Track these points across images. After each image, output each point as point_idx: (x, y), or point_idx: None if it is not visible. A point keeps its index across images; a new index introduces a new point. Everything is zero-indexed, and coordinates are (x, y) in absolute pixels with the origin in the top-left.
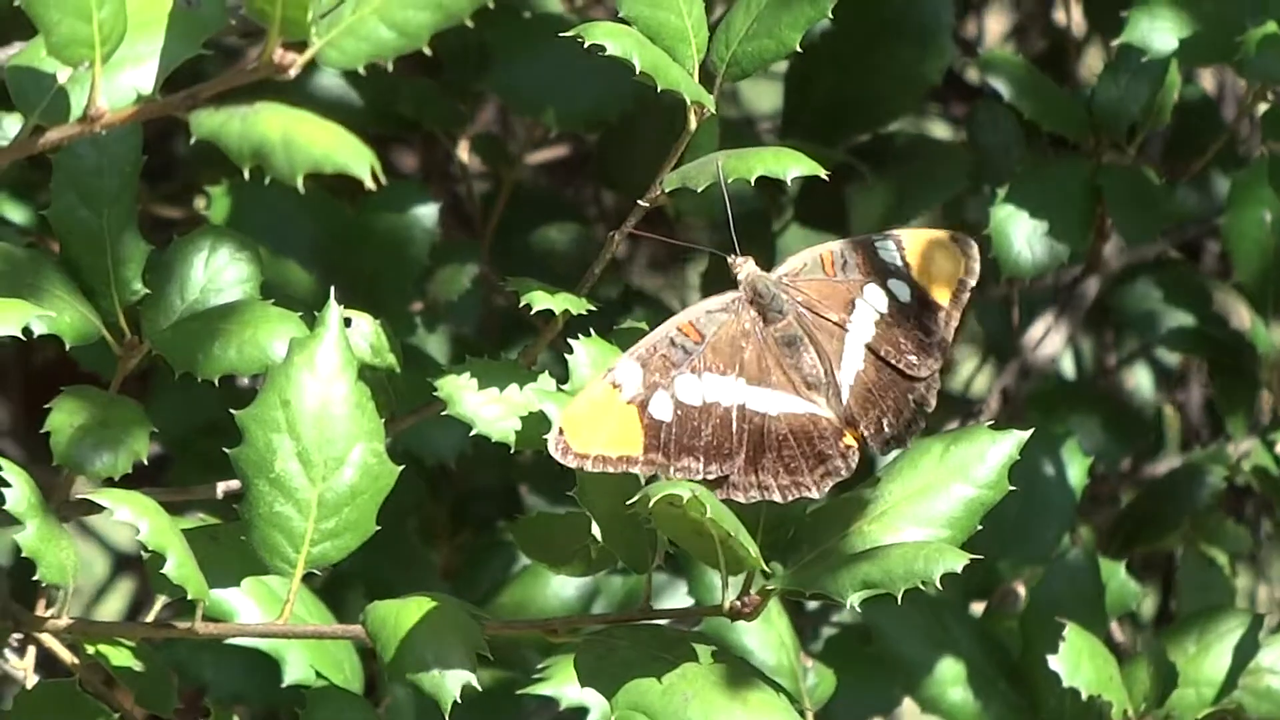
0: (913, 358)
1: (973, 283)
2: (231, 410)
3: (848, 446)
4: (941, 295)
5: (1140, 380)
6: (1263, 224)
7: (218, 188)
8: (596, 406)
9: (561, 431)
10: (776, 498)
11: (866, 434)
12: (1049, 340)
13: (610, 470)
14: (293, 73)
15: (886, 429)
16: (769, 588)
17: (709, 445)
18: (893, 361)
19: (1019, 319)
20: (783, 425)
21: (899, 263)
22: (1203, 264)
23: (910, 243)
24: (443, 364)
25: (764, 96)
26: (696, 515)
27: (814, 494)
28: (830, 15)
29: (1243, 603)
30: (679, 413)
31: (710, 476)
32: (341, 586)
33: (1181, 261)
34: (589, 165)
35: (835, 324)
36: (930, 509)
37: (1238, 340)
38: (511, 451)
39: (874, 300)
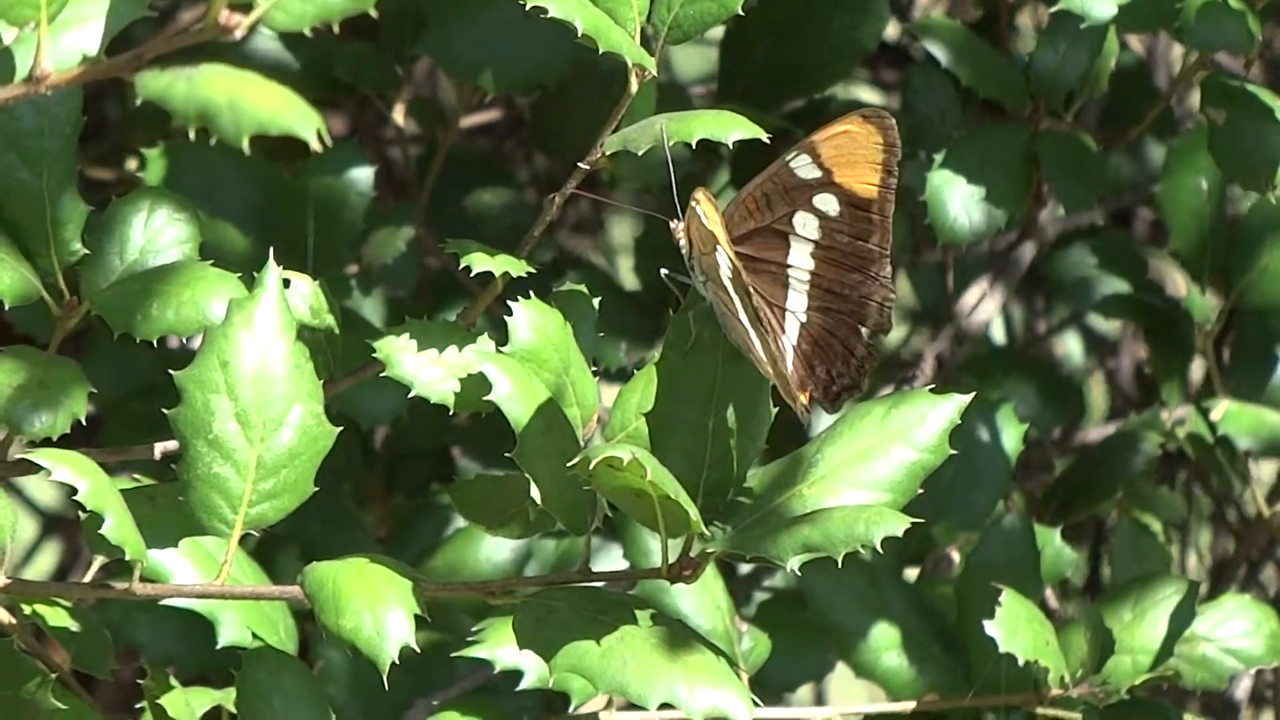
0: (855, 275)
1: (895, 159)
2: (170, 371)
3: (803, 406)
4: (869, 188)
5: (1070, 347)
6: (1199, 191)
7: (153, 150)
8: None
9: None
10: None
11: (816, 395)
12: (983, 306)
13: None
14: (239, 34)
15: (836, 380)
16: (709, 550)
17: None
18: (837, 289)
19: (953, 285)
20: None
21: (819, 173)
22: (1134, 231)
23: (824, 146)
24: (379, 327)
25: (694, 63)
26: (637, 477)
27: None
28: None
29: (1173, 570)
30: None
31: None
32: (275, 549)
33: (1117, 228)
34: (523, 129)
35: (776, 270)
36: (871, 472)
37: (1173, 307)
38: (450, 414)
39: (805, 230)
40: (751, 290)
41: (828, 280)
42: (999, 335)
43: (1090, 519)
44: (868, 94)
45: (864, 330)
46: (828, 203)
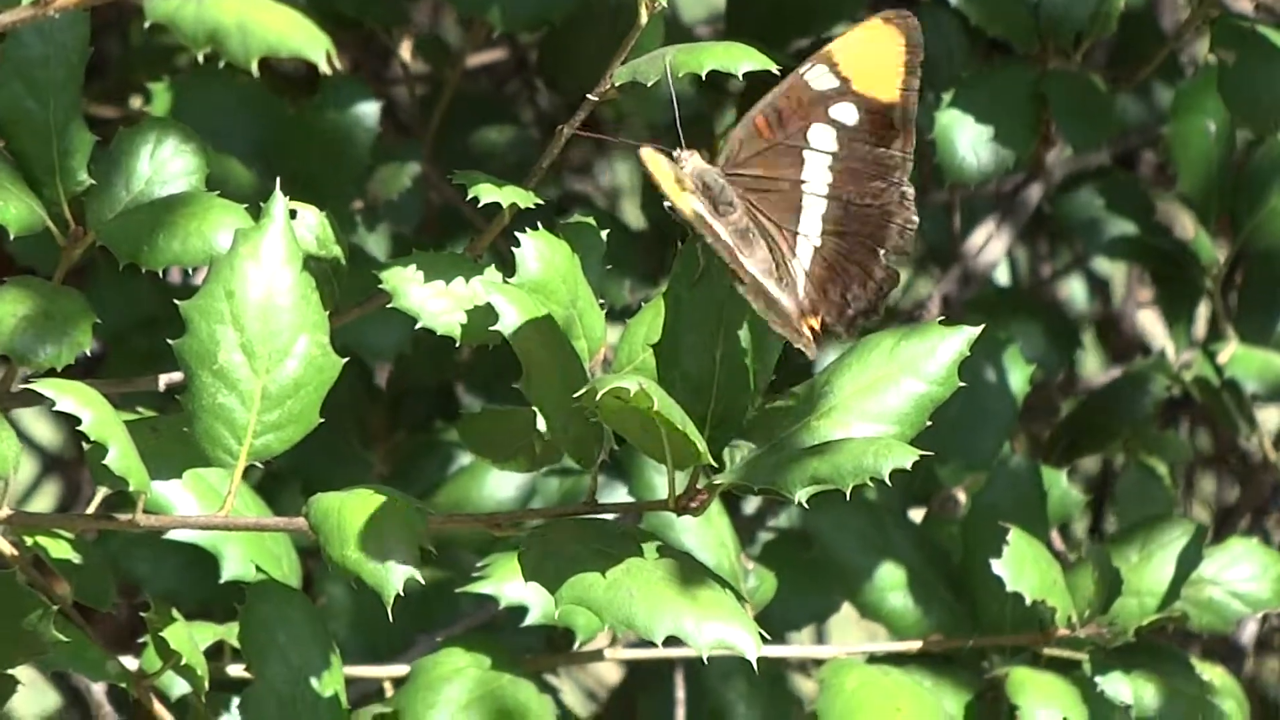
0: (878, 182)
1: (918, 59)
2: (176, 301)
3: (805, 335)
4: (888, 90)
5: (1074, 291)
6: (1207, 133)
7: (158, 84)
8: None
9: None
10: None
11: (828, 318)
12: (990, 247)
13: None
14: None
15: (852, 304)
16: (716, 483)
17: None
18: (857, 203)
19: (960, 225)
20: None
21: (836, 83)
22: (1139, 174)
23: (842, 53)
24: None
25: (699, 4)
26: (644, 408)
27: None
28: None
29: (1178, 514)
30: None
31: None
32: (279, 486)
33: (1124, 170)
34: (527, 69)
35: (789, 189)
36: (879, 404)
37: (1180, 250)
38: (455, 349)
39: (821, 143)
40: (722, 238)
41: (847, 193)
42: (1003, 278)
43: (1097, 461)
44: None
45: (882, 252)
46: (846, 112)
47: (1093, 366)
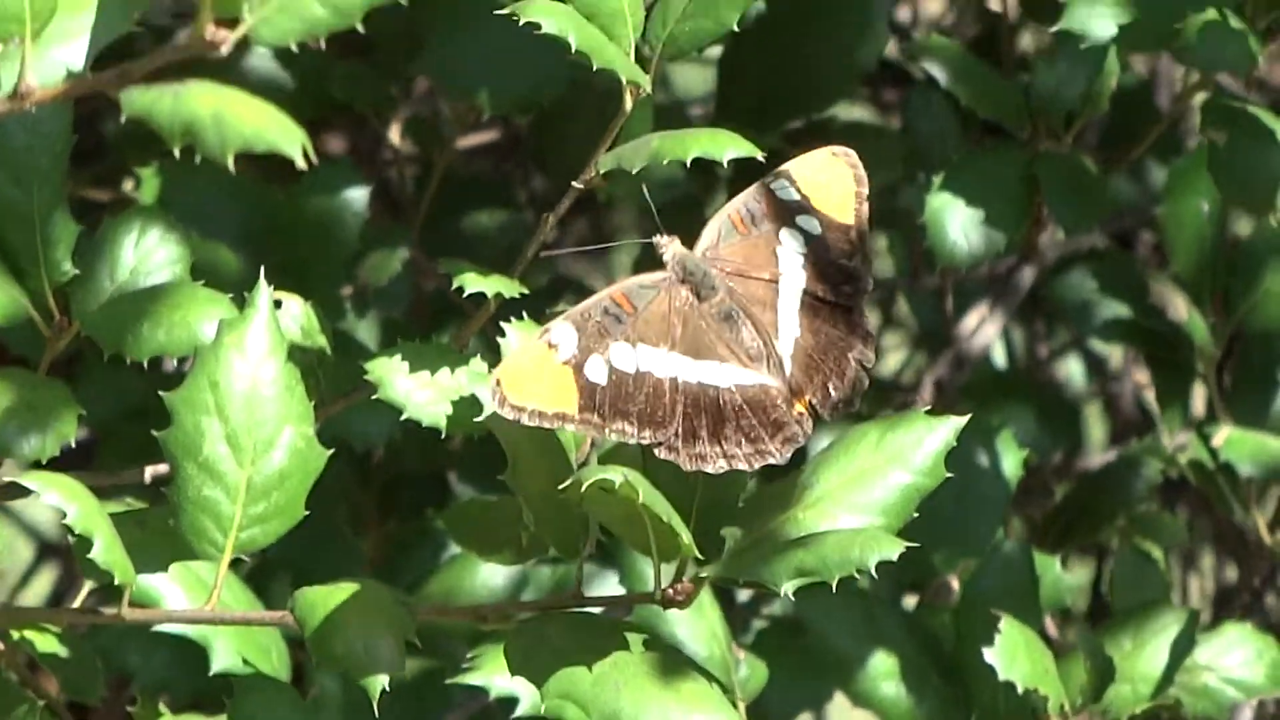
0: (846, 286)
1: (866, 191)
2: (160, 392)
3: (800, 413)
4: (845, 214)
5: (1072, 372)
6: (1201, 214)
7: (147, 169)
8: (533, 363)
9: (499, 383)
10: (743, 465)
11: (814, 401)
12: (983, 330)
13: (546, 425)
14: (224, 50)
15: (833, 392)
16: (702, 575)
17: (642, 412)
18: (828, 298)
19: (952, 308)
20: (737, 396)
21: (797, 197)
22: (1136, 254)
23: (799, 174)
24: (373, 349)
25: (695, 82)
26: (629, 500)
27: (778, 459)
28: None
29: (1175, 596)
30: (613, 378)
31: (644, 441)
32: (268, 575)
33: (1117, 251)
34: (520, 150)
35: (767, 281)
36: (866, 496)
37: (1174, 332)
38: (442, 437)
39: (791, 245)
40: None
41: (819, 291)
42: (1000, 359)
43: (1093, 544)
44: (868, 114)
45: (851, 356)
46: (809, 223)
47: (1098, 440)
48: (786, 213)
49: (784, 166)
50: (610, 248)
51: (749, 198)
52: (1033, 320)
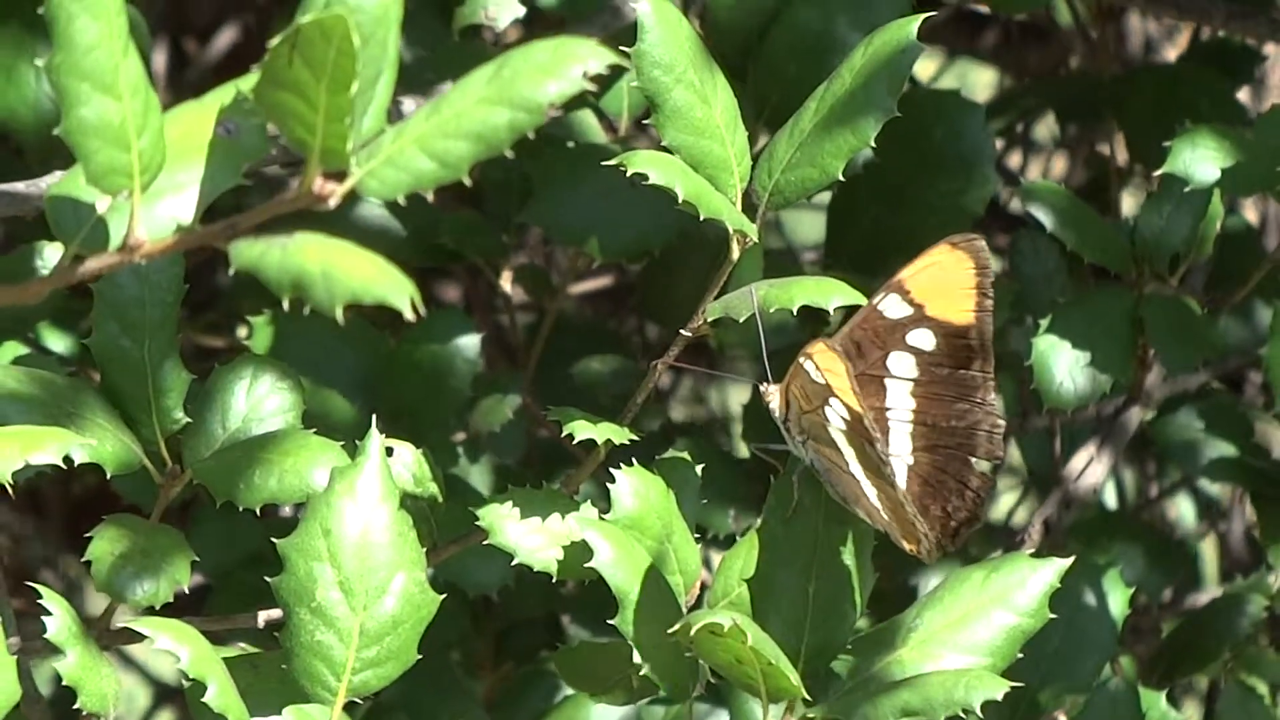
0: (961, 405)
1: (989, 280)
2: (273, 539)
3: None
4: (965, 314)
5: (1183, 511)
6: None
7: (259, 317)
8: None
9: None
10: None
11: (933, 534)
12: (1091, 471)
13: None
14: (332, 203)
15: (953, 515)
16: (810, 715)
17: None
18: (943, 424)
19: (1061, 449)
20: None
21: (909, 310)
22: (1245, 394)
23: (912, 282)
24: (485, 494)
25: (809, 227)
26: (738, 643)
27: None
28: (873, 146)
29: None
30: None
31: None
32: (384, 717)
33: (1223, 391)
34: (632, 297)
35: (876, 414)
36: (970, 636)
37: (1279, 470)
38: (557, 582)
39: (901, 370)
40: (875, 436)
41: (932, 416)
42: (1111, 500)
43: (1206, 682)
44: None
45: (974, 460)
46: (923, 338)
47: (1211, 579)
48: (896, 333)
49: (898, 275)
50: (726, 392)
51: (854, 326)
52: (1144, 461)
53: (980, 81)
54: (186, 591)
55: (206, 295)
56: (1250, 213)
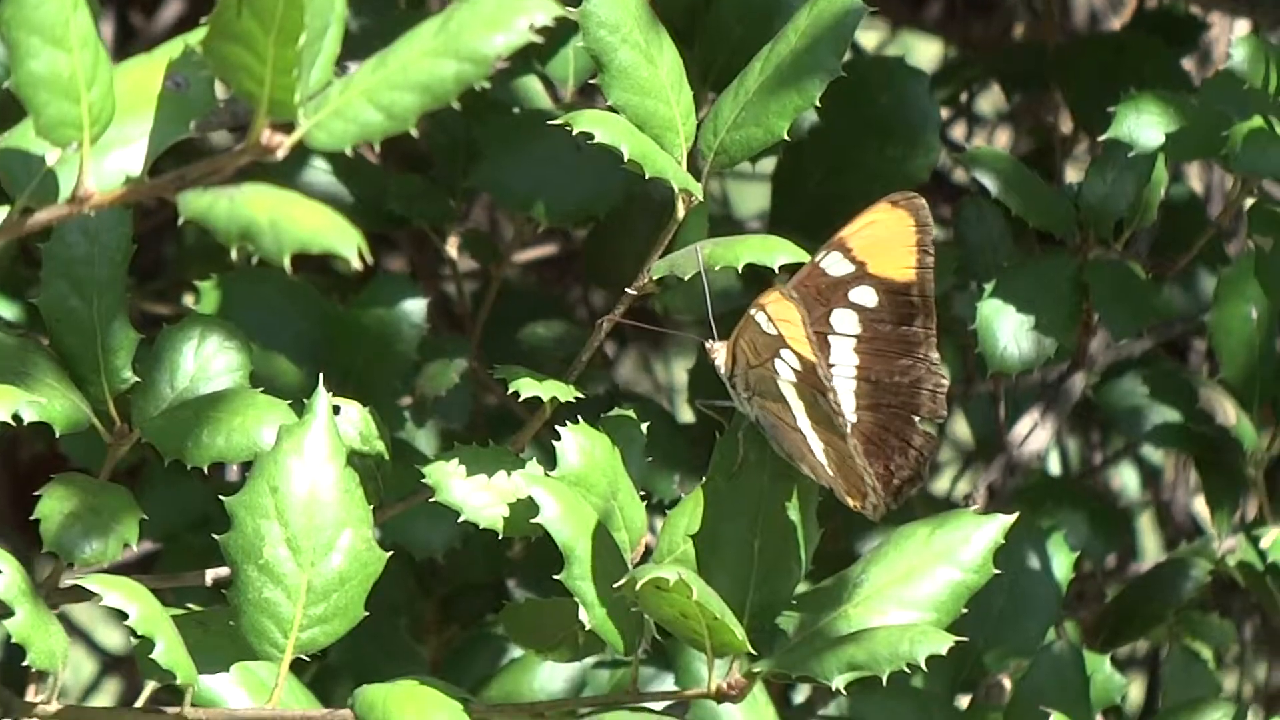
0: (904, 360)
1: (930, 238)
2: (221, 497)
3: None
4: (906, 271)
5: (1126, 478)
6: (1248, 320)
7: (206, 282)
8: None
9: None
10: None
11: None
12: (1035, 436)
13: None
14: (280, 154)
15: (895, 474)
16: (755, 670)
17: None
18: (886, 380)
19: (1005, 415)
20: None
21: (851, 268)
22: (1189, 362)
23: (854, 239)
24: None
25: (756, 199)
26: (683, 598)
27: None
28: (818, 112)
29: (1226, 699)
30: None
31: None
32: (332, 680)
33: (1167, 358)
34: (577, 263)
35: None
36: (915, 592)
37: (1223, 436)
38: (503, 546)
39: (845, 327)
40: (828, 386)
41: (875, 372)
42: (1054, 466)
43: (1152, 646)
44: None
45: (917, 419)
46: (865, 295)
47: (1154, 547)
48: (838, 290)
49: (839, 233)
50: (672, 358)
51: (796, 284)
52: (1088, 428)
53: (927, 54)
54: (135, 551)
55: (155, 263)
56: (1195, 182)
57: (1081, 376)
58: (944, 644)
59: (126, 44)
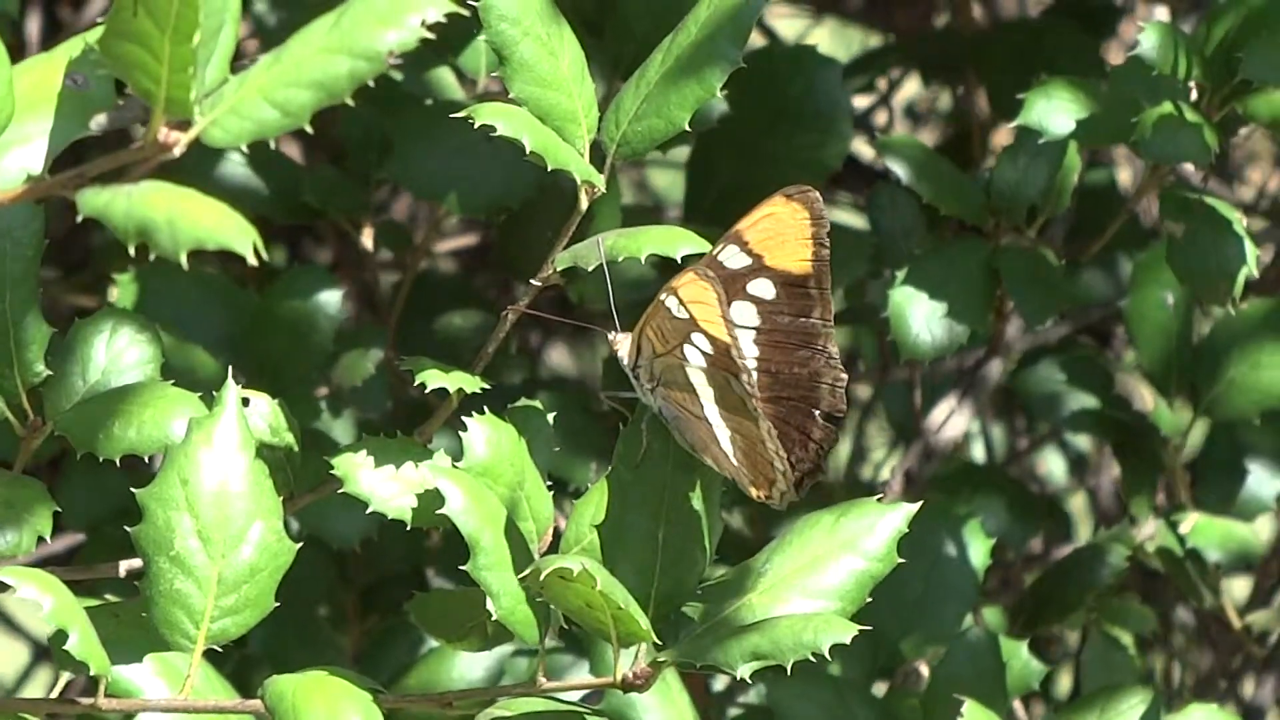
0: (803, 352)
1: (826, 230)
2: (133, 489)
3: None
4: (802, 264)
5: (1053, 464)
6: (1164, 305)
7: (124, 275)
8: None
9: None
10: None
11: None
12: (952, 423)
13: None
14: (177, 152)
15: (795, 466)
16: (660, 660)
17: None
18: (786, 372)
19: (921, 402)
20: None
21: (748, 261)
22: (1112, 347)
23: (750, 233)
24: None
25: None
26: (588, 588)
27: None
28: (729, 101)
29: (1155, 685)
30: None
31: None
32: (252, 670)
33: (1084, 344)
34: (493, 253)
35: None
36: (819, 581)
37: (1141, 422)
38: (420, 535)
39: (744, 318)
40: (743, 366)
41: (775, 364)
42: (979, 453)
43: (1077, 632)
44: (838, 213)
45: (817, 413)
46: (763, 288)
47: (1084, 534)
48: (736, 282)
49: (736, 226)
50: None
51: (694, 278)
52: (1012, 415)
53: (854, 42)
54: (61, 542)
55: (80, 257)
56: (1124, 172)
57: (998, 363)
58: (848, 633)
59: (53, 38)
